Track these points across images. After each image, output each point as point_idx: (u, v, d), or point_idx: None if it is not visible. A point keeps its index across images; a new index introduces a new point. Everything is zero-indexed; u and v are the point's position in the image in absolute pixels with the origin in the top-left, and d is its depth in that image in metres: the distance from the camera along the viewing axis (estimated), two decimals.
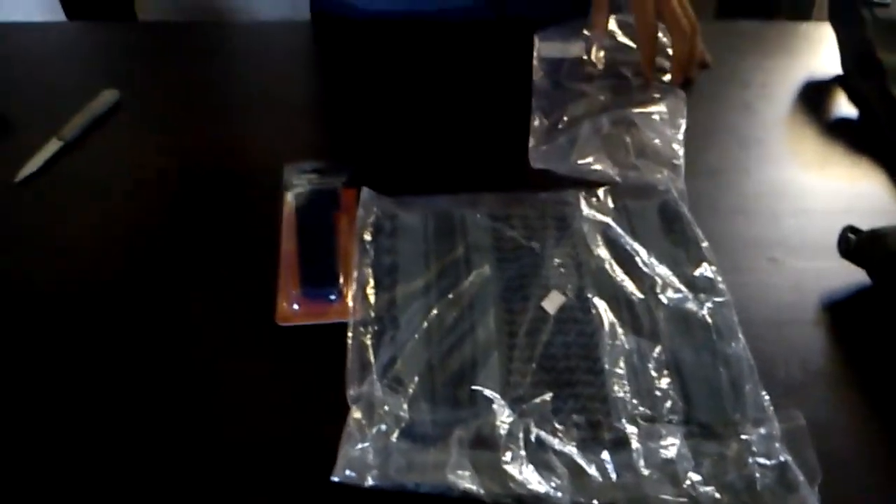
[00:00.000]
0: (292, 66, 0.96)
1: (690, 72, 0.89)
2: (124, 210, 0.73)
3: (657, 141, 0.78)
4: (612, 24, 0.94)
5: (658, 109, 0.83)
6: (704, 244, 0.67)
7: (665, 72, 0.89)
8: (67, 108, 0.83)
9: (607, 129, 0.79)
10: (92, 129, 0.82)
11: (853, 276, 0.66)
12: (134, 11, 2.50)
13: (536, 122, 0.81)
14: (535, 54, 0.89)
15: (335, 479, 0.51)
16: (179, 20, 0.97)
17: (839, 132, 0.84)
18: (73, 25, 1.08)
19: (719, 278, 0.65)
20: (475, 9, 1.01)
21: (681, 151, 0.78)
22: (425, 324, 0.61)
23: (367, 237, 0.69)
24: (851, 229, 0.66)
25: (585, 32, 0.93)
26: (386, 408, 0.55)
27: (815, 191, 0.77)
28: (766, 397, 0.56)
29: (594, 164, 0.76)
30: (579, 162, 0.76)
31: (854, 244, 0.65)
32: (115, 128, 0.83)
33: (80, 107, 0.83)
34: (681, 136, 0.80)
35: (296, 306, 0.64)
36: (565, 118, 0.81)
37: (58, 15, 2.26)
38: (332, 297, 0.64)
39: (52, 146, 0.79)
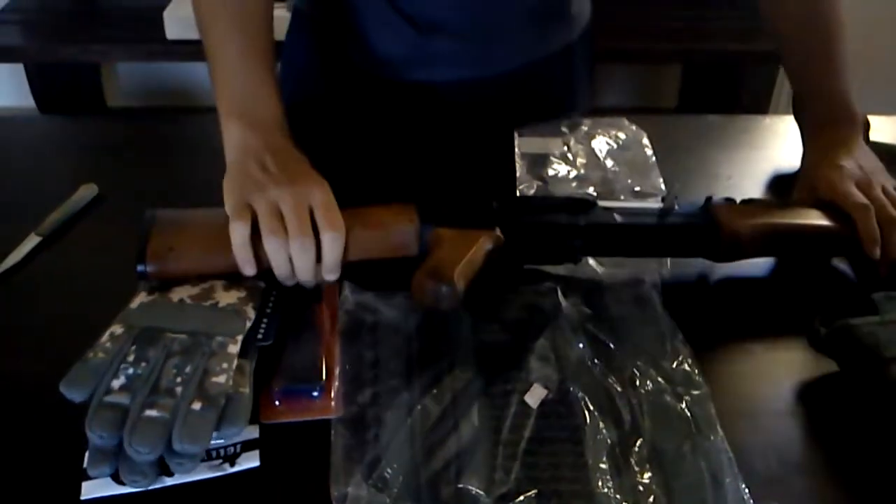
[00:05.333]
0: None
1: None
2: (101, 305, 0.73)
3: None
4: (586, 123, 0.97)
5: (640, 203, 0.85)
6: (679, 336, 0.69)
7: None
8: (47, 202, 0.84)
9: None
10: (71, 224, 0.83)
11: (824, 366, 0.67)
12: (104, 98, 2.54)
13: None
14: (516, 150, 0.92)
15: None
16: (150, 105, 0.98)
17: None
18: (51, 119, 1.09)
19: (696, 370, 0.66)
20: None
21: None
22: (409, 420, 0.62)
23: (349, 332, 0.69)
24: (822, 321, 0.68)
25: (563, 129, 0.96)
26: None
27: (786, 281, 0.79)
28: (746, 490, 0.57)
29: (583, 263, 0.77)
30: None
31: (824, 336, 0.67)
32: (94, 222, 0.84)
33: (60, 201, 0.84)
34: None
35: (278, 403, 0.64)
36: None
37: (25, 101, 2.28)
38: (315, 393, 0.65)
39: (31, 241, 0.79)
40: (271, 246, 0.67)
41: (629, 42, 1.90)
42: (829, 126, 0.86)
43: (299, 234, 0.67)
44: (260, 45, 0.81)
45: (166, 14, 2.06)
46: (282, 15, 1.15)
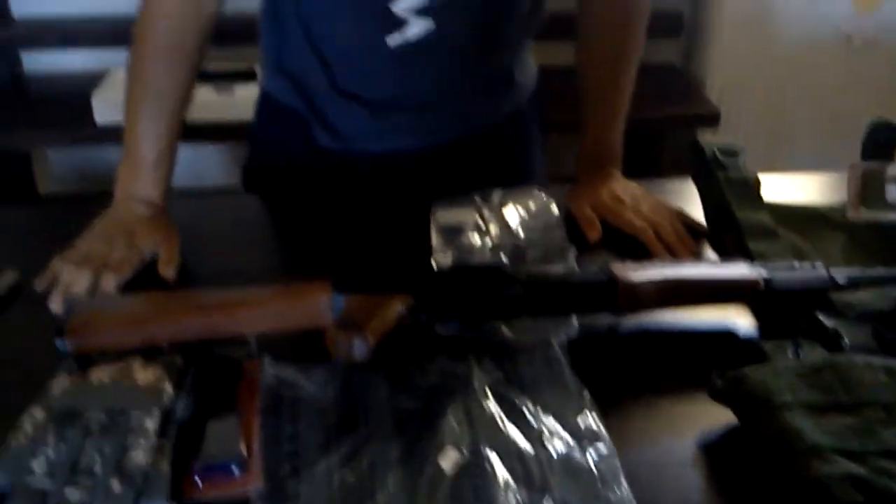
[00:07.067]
0: (193, 236, 0.99)
1: (682, 253, 0.97)
2: (23, 390, 0.74)
3: None
4: (498, 194, 1.02)
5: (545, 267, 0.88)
6: (586, 393, 0.72)
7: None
8: None
9: None
10: None
11: (724, 415, 0.71)
12: (35, 185, 2.53)
13: None
14: (432, 224, 0.96)
15: None
16: (82, 191, 1.02)
17: None
18: None
19: (601, 426, 0.69)
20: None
21: None
22: (326, 491, 0.63)
23: (269, 407, 0.71)
24: (718, 372, 0.72)
25: (477, 200, 1.01)
26: None
27: (686, 334, 0.84)
28: None
29: (495, 329, 0.80)
30: (483, 328, 0.80)
31: (721, 386, 0.71)
32: (14, 309, 0.85)
33: None
34: None
35: (198, 480, 0.65)
36: None
37: None
38: (235, 470, 0.66)
39: None
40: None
41: (553, 113, 1.98)
42: (601, 163, 1.10)
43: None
44: (166, 127, 0.99)
45: (94, 98, 2.08)
46: (250, 94, 1.22)
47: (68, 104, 2.22)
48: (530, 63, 1.20)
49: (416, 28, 0.99)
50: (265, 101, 1.19)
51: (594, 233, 1.01)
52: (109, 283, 0.85)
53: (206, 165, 2.47)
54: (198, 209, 1.12)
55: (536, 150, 1.24)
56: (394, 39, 1.00)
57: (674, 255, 0.96)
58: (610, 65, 1.11)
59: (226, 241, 1.01)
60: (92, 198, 1.03)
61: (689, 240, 0.99)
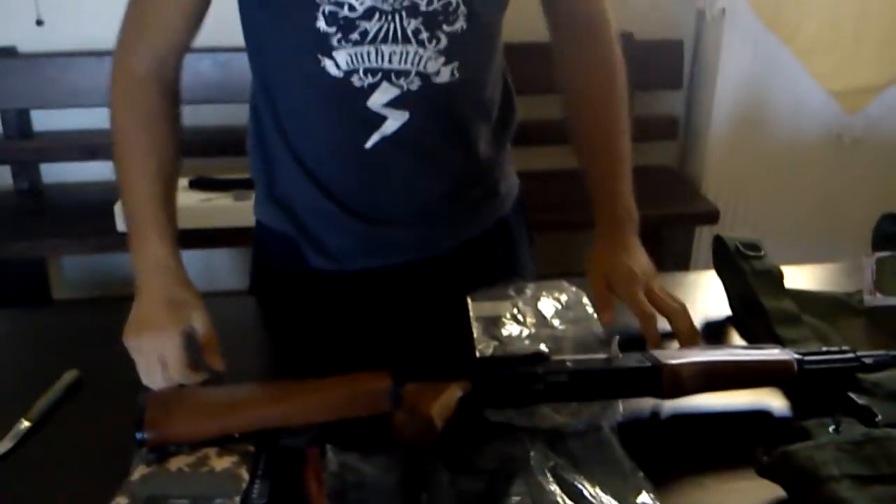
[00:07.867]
0: (241, 332, 1.04)
1: (696, 340, 0.93)
2: (95, 481, 0.76)
3: None
4: (531, 287, 1.07)
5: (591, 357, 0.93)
6: (640, 473, 0.75)
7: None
8: (32, 390, 0.88)
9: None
10: (57, 409, 0.87)
11: (771, 491, 0.74)
12: (49, 291, 2.57)
13: None
14: (471, 315, 1.01)
15: None
16: (94, 296, 1.05)
17: None
18: (28, 313, 1.14)
19: (657, 503, 0.72)
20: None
21: None
22: None
23: (336, 492, 0.74)
24: (764, 450, 0.75)
25: (511, 293, 1.06)
26: None
27: (726, 416, 0.87)
28: None
29: (545, 414, 0.84)
30: (533, 413, 0.84)
31: (767, 463, 0.74)
32: (78, 406, 0.88)
33: (45, 389, 0.89)
34: None
35: None
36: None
37: None
38: None
39: (21, 427, 0.83)
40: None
41: (558, 213, 2.07)
42: (617, 224, 1.07)
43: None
44: (159, 188, 0.96)
45: (118, 207, 2.15)
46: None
47: (87, 213, 2.29)
48: (512, 173, 1.24)
49: (392, 123, 1.02)
50: (259, 229, 1.21)
51: (607, 315, 0.98)
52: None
53: (222, 269, 2.52)
54: (224, 307, 1.17)
55: (523, 254, 1.27)
56: (372, 139, 1.03)
57: (682, 344, 0.92)
58: (600, 107, 1.11)
59: (238, 341, 1.03)
60: (109, 301, 1.07)
61: (697, 333, 0.94)
